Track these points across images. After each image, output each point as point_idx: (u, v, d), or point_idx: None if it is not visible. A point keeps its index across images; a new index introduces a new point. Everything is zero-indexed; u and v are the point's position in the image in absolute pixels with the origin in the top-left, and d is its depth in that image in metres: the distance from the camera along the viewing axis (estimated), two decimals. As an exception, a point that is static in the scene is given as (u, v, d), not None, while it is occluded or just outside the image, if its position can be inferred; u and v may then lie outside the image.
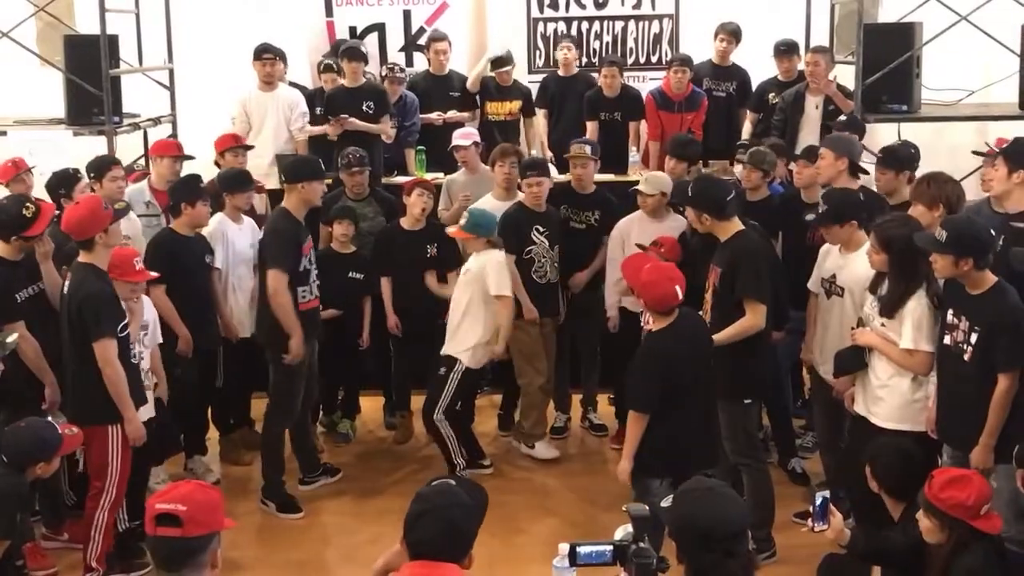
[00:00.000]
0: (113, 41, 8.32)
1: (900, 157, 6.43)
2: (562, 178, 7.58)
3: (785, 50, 8.77)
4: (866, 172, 6.48)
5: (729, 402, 5.53)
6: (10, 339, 5.33)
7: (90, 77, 8.00)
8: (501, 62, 8.80)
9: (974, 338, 4.75)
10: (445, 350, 6.78)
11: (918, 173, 6.26)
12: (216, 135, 7.81)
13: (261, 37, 8.68)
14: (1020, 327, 4.69)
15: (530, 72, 9.62)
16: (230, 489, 6.67)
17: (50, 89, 8.47)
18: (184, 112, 9.48)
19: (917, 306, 5.04)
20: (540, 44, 9.74)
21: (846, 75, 8.33)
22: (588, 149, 7.31)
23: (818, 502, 4.44)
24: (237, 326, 6.91)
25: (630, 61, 9.62)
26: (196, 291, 6.62)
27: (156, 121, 9.15)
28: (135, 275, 5.67)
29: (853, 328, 5.46)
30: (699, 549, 3.16)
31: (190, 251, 6.61)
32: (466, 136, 7.86)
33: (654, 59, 9.73)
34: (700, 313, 5.57)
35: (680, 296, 5.09)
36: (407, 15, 9.64)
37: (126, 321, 5.47)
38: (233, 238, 6.90)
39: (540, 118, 9.05)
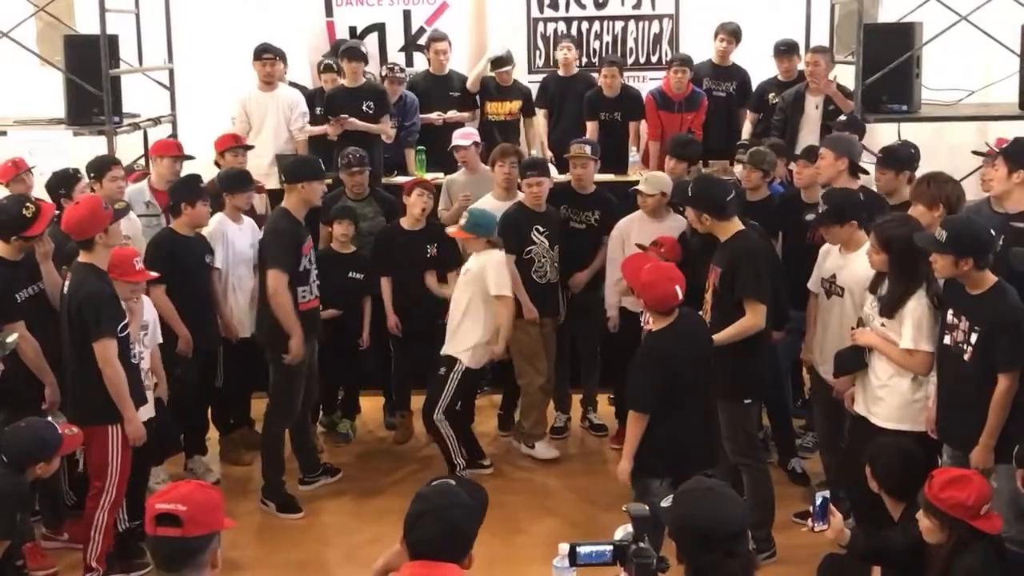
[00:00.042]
0: (113, 41, 8.32)
1: (900, 157, 6.44)
2: (562, 178, 7.58)
3: (785, 50, 8.77)
4: (866, 172, 6.48)
5: (729, 402, 5.54)
6: (10, 339, 5.33)
7: (90, 77, 8.00)
8: (501, 62, 8.80)
9: (974, 338, 4.75)
10: (445, 350, 6.78)
11: (918, 173, 6.26)
12: (216, 135, 7.81)
13: (261, 37, 8.68)
14: (1020, 327, 4.69)
15: (530, 72, 9.62)
16: (230, 489, 6.67)
17: (50, 89, 8.47)
18: (184, 112, 9.48)
19: (917, 306, 5.04)
20: (540, 44, 9.74)
21: (846, 75, 8.33)
22: (588, 149, 7.31)
23: (818, 502, 4.44)
24: (237, 326, 6.91)
25: (630, 61, 9.63)
26: (196, 291, 6.62)
27: (156, 121, 9.15)
28: (135, 275, 5.67)
29: (853, 328, 5.46)
30: (699, 549, 3.16)
31: (190, 251, 6.61)
32: (466, 136, 7.86)
33: (654, 59, 9.73)
34: (700, 313, 5.57)
35: (680, 296, 5.09)
36: (407, 15, 9.64)
37: (126, 321, 5.47)
38: (233, 238, 6.90)
39: (540, 118, 9.05)
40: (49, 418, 5.42)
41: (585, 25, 9.71)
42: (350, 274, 7.29)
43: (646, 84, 9.38)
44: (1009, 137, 6.14)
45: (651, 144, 8.81)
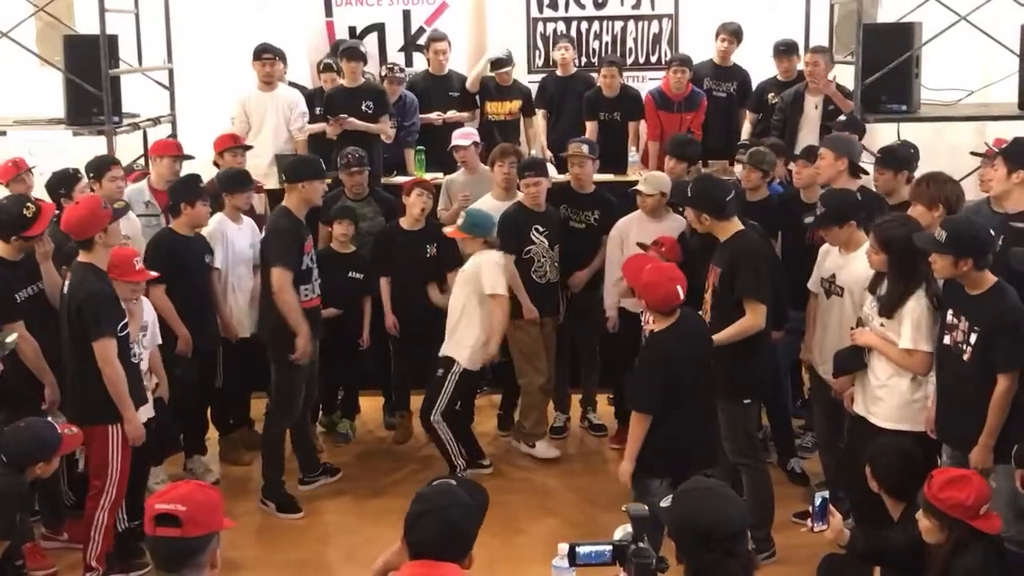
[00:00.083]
0: (113, 41, 8.32)
1: (898, 157, 6.44)
2: (561, 178, 7.58)
3: (785, 50, 8.77)
4: (866, 172, 6.48)
5: (729, 402, 5.54)
6: (9, 339, 5.33)
7: (90, 77, 8.00)
8: (501, 63, 8.80)
9: (974, 338, 4.75)
10: (443, 351, 6.77)
11: (918, 173, 6.26)
12: (216, 135, 7.81)
13: (261, 37, 8.68)
14: (1020, 327, 4.69)
15: (529, 72, 9.62)
16: (229, 489, 6.67)
17: (50, 89, 8.47)
18: (184, 112, 9.48)
19: (916, 306, 5.04)
20: (540, 44, 9.74)
21: (845, 75, 8.33)
22: (585, 148, 7.31)
23: (817, 502, 4.44)
24: (237, 326, 6.92)
25: (629, 61, 9.63)
26: (196, 291, 6.62)
27: (156, 121, 9.15)
28: (135, 275, 5.68)
29: (852, 328, 5.46)
30: (699, 549, 3.16)
31: (190, 251, 6.61)
32: (465, 136, 7.86)
33: (653, 59, 9.73)
34: (699, 313, 5.57)
35: (682, 296, 5.09)
36: (407, 15, 9.65)
37: (125, 321, 5.47)
38: (233, 238, 6.90)
39: (539, 118, 9.05)
40: (49, 418, 5.42)
41: (584, 25, 9.71)
42: (350, 274, 7.29)
43: (645, 84, 9.38)
44: (1007, 137, 6.15)
45: (650, 144, 8.81)
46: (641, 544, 3.32)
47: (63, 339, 5.49)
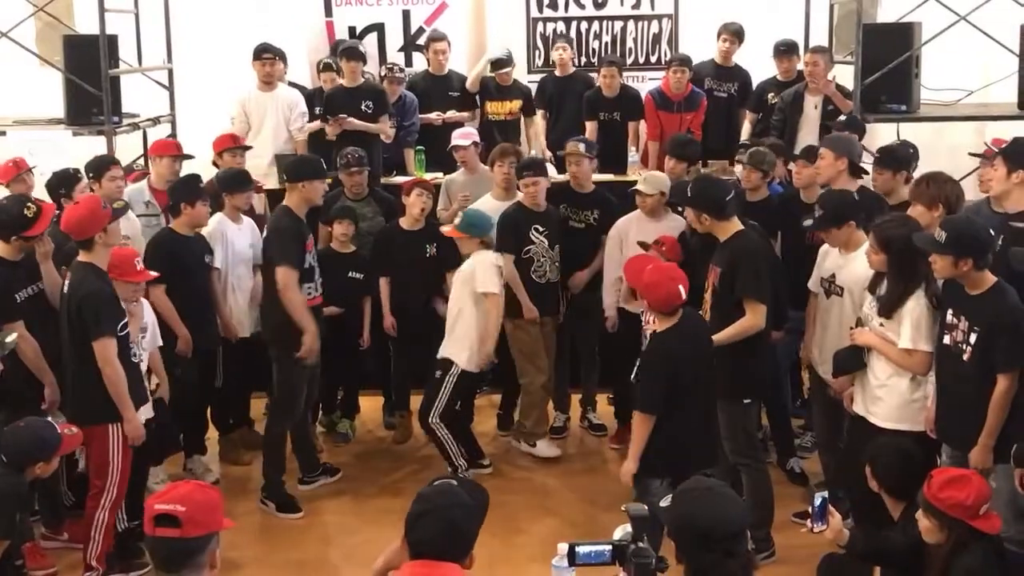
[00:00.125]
0: (112, 41, 8.32)
1: (897, 157, 6.44)
2: (561, 178, 7.58)
3: (785, 50, 8.77)
4: (866, 172, 6.47)
5: (729, 402, 5.54)
6: (9, 339, 5.33)
7: (89, 77, 8.00)
8: (501, 63, 8.80)
9: (973, 338, 4.75)
10: (441, 352, 6.76)
11: (918, 173, 6.26)
12: (215, 135, 7.81)
13: (260, 37, 8.68)
14: (1019, 327, 4.69)
15: (529, 72, 9.62)
16: (229, 489, 6.67)
17: (49, 89, 8.47)
18: (183, 112, 9.48)
19: (916, 306, 5.04)
20: (539, 44, 9.74)
21: (845, 75, 8.33)
22: (582, 147, 7.31)
23: (817, 502, 4.44)
24: (236, 326, 6.92)
25: (629, 61, 9.63)
26: (195, 291, 6.62)
27: (155, 121, 9.15)
28: (136, 275, 5.69)
29: (852, 328, 5.46)
30: (698, 549, 3.16)
31: (190, 251, 6.61)
32: (465, 136, 7.86)
33: (653, 59, 9.73)
34: (700, 313, 5.57)
35: (684, 295, 5.09)
36: (406, 15, 9.65)
37: (126, 320, 5.47)
38: (232, 238, 6.90)
39: (539, 119, 9.05)
40: (49, 418, 5.42)
41: (584, 25, 9.71)
42: (350, 274, 7.29)
43: (645, 84, 9.38)
44: (1006, 137, 6.15)
45: (650, 144, 8.81)
46: (641, 544, 3.32)
47: (63, 339, 5.49)
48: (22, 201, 5.78)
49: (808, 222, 5.79)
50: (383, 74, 8.90)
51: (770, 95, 8.76)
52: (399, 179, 8.21)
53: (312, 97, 8.79)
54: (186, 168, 7.40)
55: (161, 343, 6.23)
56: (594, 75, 9.07)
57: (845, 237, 5.66)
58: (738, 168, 7.14)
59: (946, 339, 4.89)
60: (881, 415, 5.21)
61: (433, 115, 8.85)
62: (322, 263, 6.75)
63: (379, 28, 9.65)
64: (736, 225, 5.60)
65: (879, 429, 5.16)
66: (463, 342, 6.68)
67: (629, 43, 9.74)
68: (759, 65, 9.07)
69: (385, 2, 9.63)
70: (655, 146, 8.71)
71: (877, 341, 5.20)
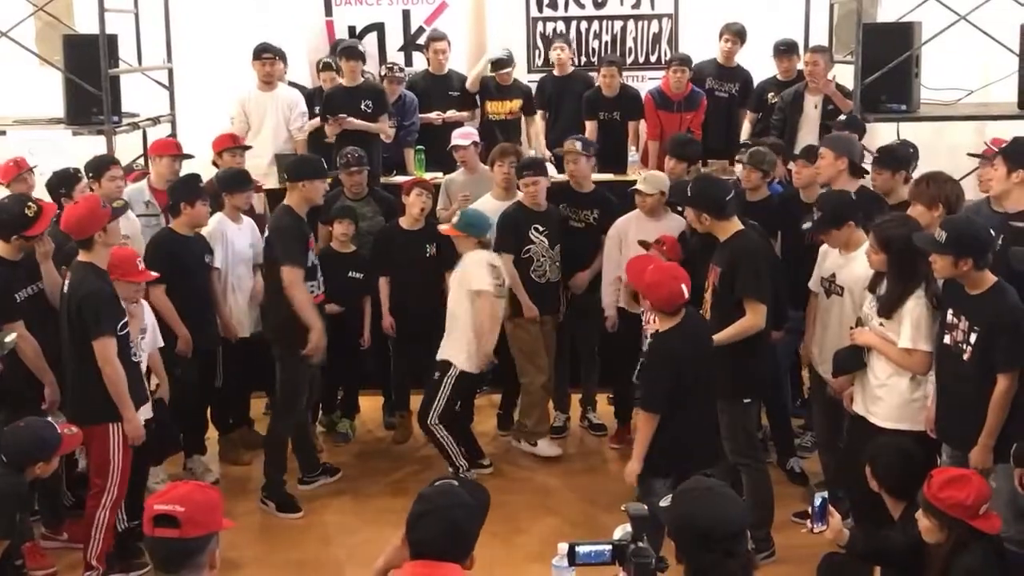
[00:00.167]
0: (112, 41, 8.32)
1: (896, 157, 6.43)
2: (561, 177, 7.58)
3: (785, 50, 8.77)
4: (867, 172, 6.47)
5: (729, 402, 5.53)
6: (8, 339, 5.33)
7: (89, 77, 8.00)
8: (502, 64, 8.80)
9: (973, 338, 4.74)
10: (440, 354, 6.73)
11: (918, 173, 6.25)
12: (215, 135, 7.81)
13: (260, 37, 8.69)
14: (1019, 327, 4.69)
15: (529, 71, 9.62)
16: (229, 489, 6.67)
17: (49, 89, 8.47)
18: (183, 112, 9.47)
19: (916, 306, 5.04)
20: (539, 43, 9.74)
21: (845, 74, 8.33)
22: (579, 145, 7.30)
23: (817, 503, 4.44)
24: (236, 326, 6.92)
25: (629, 61, 9.63)
26: (195, 291, 6.62)
27: (155, 121, 9.15)
28: (138, 275, 5.71)
29: (852, 328, 5.46)
30: (698, 549, 3.16)
31: (189, 251, 6.61)
32: (465, 136, 7.86)
33: (653, 59, 9.73)
34: (700, 312, 5.57)
35: (686, 295, 5.09)
36: (406, 15, 9.65)
37: (126, 320, 5.47)
38: (232, 238, 6.90)
39: (539, 118, 9.05)
40: (49, 418, 5.42)
41: (584, 25, 9.71)
42: (350, 273, 7.29)
43: (645, 84, 9.38)
44: (1006, 137, 6.14)
45: (650, 144, 8.81)
46: (641, 544, 3.32)
47: (63, 338, 5.49)
48: (23, 200, 5.78)
49: (807, 225, 5.78)
50: (383, 74, 8.90)
51: (770, 95, 8.76)
52: (399, 179, 8.21)
53: (312, 97, 8.79)
54: (186, 168, 7.40)
55: (162, 343, 6.23)
56: (593, 75, 9.07)
57: (845, 237, 5.66)
58: (738, 168, 7.14)
59: (946, 339, 4.89)
60: (881, 415, 5.20)
61: (433, 115, 8.85)
62: (322, 263, 6.75)
63: (379, 28, 9.65)
64: (736, 225, 5.60)
65: (879, 429, 5.16)
66: (460, 343, 6.67)
67: (629, 43, 9.74)
68: (759, 65, 9.07)
69: (385, 2, 9.63)
70: (655, 146, 8.71)
71: (877, 341, 5.20)
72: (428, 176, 8.07)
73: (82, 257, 5.42)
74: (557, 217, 7.22)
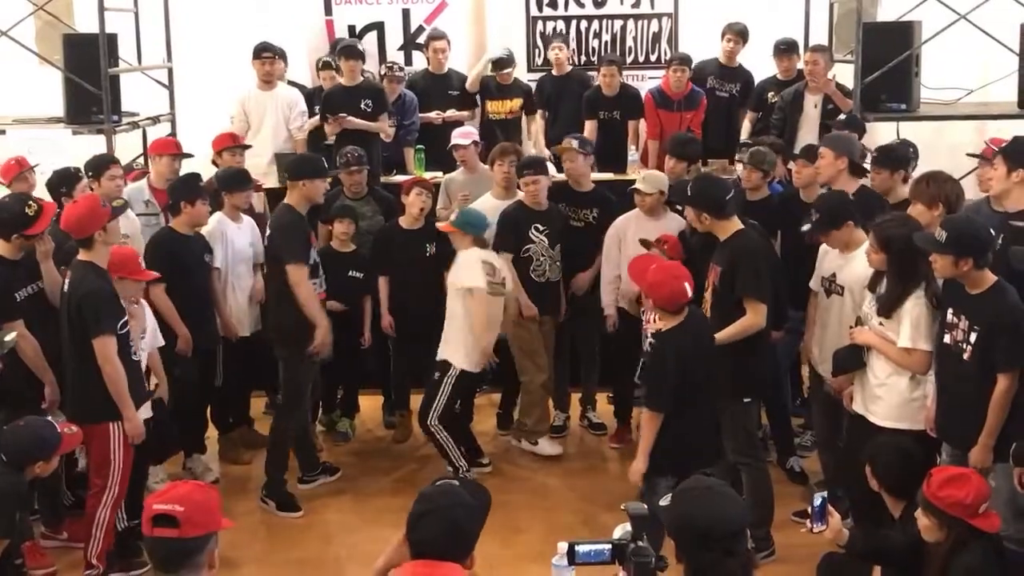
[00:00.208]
0: (112, 40, 8.32)
1: (894, 156, 6.42)
2: (561, 177, 7.57)
3: (785, 49, 8.77)
4: (868, 171, 6.46)
5: (729, 401, 5.53)
6: (8, 338, 5.33)
7: (89, 76, 8.00)
8: (502, 63, 8.80)
9: (973, 337, 4.74)
10: (439, 354, 6.73)
11: (918, 172, 6.25)
12: (215, 134, 7.80)
13: (260, 36, 8.69)
14: (1020, 327, 4.69)
15: (529, 71, 9.63)
16: (229, 488, 6.68)
17: (49, 88, 8.47)
18: (183, 111, 9.47)
19: (915, 305, 5.04)
20: (539, 43, 9.74)
21: (845, 74, 8.33)
22: (575, 142, 7.30)
23: (816, 502, 4.44)
24: (236, 325, 6.92)
25: (629, 60, 9.63)
26: (195, 290, 6.62)
27: (155, 120, 9.15)
28: (142, 273, 5.72)
29: (851, 327, 5.45)
30: (698, 548, 3.16)
31: (189, 250, 6.61)
32: (465, 135, 7.86)
33: (653, 58, 9.73)
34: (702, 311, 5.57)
35: (690, 293, 5.09)
36: (406, 14, 9.65)
37: (126, 319, 5.47)
38: (232, 237, 6.90)
39: (539, 118, 9.05)
40: (48, 417, 5.42)
41: (584, 24, 9.71)
42: (350, 273, 7.29)
43: (645, 83, 9.39)
44: (1005, 137, 6.13)
45: (650, 143, 8.81)
46: (640, 543, 3.32)
47: (63, 337, 5.49)
48: (23, 199, 5.77)
49: (806, 227, 5.76)
50: (383, 73, 8.90)
51: (770, 94, 8.77)
52: (399, 178, 8.21)
53: (312, 96, 8.79)
54: (186, 167, 7.39)
55: (162, 343, 6.22)
56: (592, 74, 9.08)
57: (845, 238, 5.65)
58: (738, 167, 7.14)
59: (946, 338, 4.89)
60: (880, 414, 5.20)
61: (433, 114, 8.85)
62: (322, 262, 6.75)
63: (379, 27, 9.65)
64: (736, 224, 5.60)
65: (878, 428, 5.16)
66: (457, 342, 6.67)
67: (629, 42, 9.75)
68: (759, 64, 9.07)
69: (385, 1, 9.63)
70: (655, 145, 8.72)
71: (876, 340, 5.20)
72: (428, 175, 8.06)
73: (82, 256, 5.42)
74: (559, 217, 7.21)
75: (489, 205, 7.15)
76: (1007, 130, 6.77)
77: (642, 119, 8.85)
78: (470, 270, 6.60)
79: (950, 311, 4.88)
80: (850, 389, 5.47)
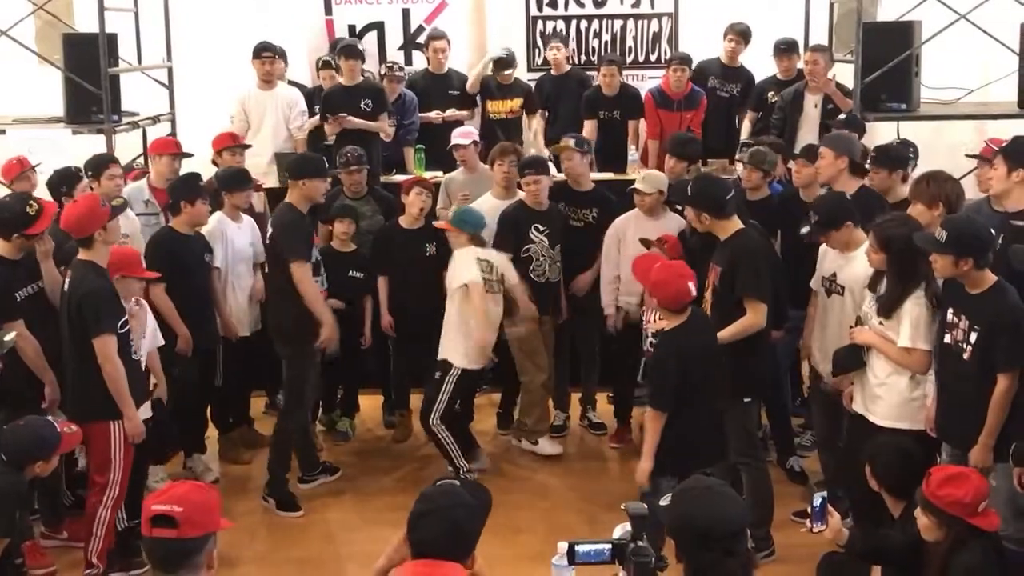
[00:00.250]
0: (112, 39, 8.32)
1: (893, 156, 6.41)
2: (562, 177, 7.57)
3: (785, 49, 8.77)
4: (868, 171, 6.46)
5: (729, 401, 5.53)
6: (8, 337, 5.33)
7: (89, 75, 8.00)
8: (504, 64, 8.80)
9: (974, 337, 4.74)
10: (440, 353, 6.73)
11: (918, 172, 6.25)
12: (215, 133, 7.80)
13: (260, 35, 8.69)
14: (1020, 326, 4.69)
15: (529, 70, 9.63)
16: (229, 488, 6.68)
17: (49, 87, 8.47)
18: (183, 110, 9.48)
19: (915, 305, 5.03)
20: (539, 42, 9.74)
21: (845, 73, 8.33)
22: (572, 141, 7.30)
23: (816, 502, 4.44)
24: (236, 325, 6.92)
25: (629, 60, 9.64)
26: (195, 290, 6.62)
27: (155, 119, 9.15)
28: (143, 271, 5.75)
29: (851, 327, 5.45)
30: (698, 548, 3.16)
31: (189, 250, 6.61)
32: (465, 135, 7.86)
33: (653, 58, 9.73)
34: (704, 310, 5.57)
35: (694, 292, 5.09)
36: (406, 13, 9.66)
37: (126, 318, 5.47)
38: (232, 237, 6.90)
39: (539, 118, 9.05)
40: (49, 417, 5.42)
41: (584, 24, 9.72)
42: (350, 273, 7.29)
43: (645, 83, 9.39)
44: (1004, 137, 6.13)
45: (650, 143, 8.81)
46: (640, 543, 3.32)
47: (63, 337, 5.49)
48: (24, 199, 5.77)
49: (805, 229, 5.75)
50: (383, 72, 8.90)
51: (770, 94, 8.77)
52: (399, 178, 8.21)
53: (312, 95, 8.79)
54: (185, 166, 7.39)
55: (162, 342, 6.22)
56: (591, 73, 9.08)
57: (845, 238, 5.64)
58: (739, 167, 7.13)
59: (946, 338, 4.89)
60: (880, 414, 5.20)
61: (433, 114, 8.85)
62: (323, 262, 6.76)
63: (379, 26, 9.66)
64: (736, 224, 5.59)
65: (878, 428, 5.16)
66: (456, 341, 6.67)
67: (629, 42, 9.75)
68: (759, 64, 9.07)
69: (385, 1, 9.63)
70: (655, 145, 8.72)
71: (876, 340, 5.20)
72: (428, 175, 8.06)
73: (82, 255, 5.42)
74: (559, 217, 7.20)
75: (489, 205, 7.15)
76: (1007, 130, 6.77)
77: (642, 119, 8.85)
78: (465, 267, 6.60)
79: (950, 311, 4.87)
80: (850, 389, 5.47)
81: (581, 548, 3.34)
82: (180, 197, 6.62)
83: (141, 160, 8.80)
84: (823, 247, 5.91)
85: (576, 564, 3.38)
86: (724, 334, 5.43)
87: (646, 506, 3.45)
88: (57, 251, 5.80)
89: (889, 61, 7.66)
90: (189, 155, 7.54)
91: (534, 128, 9.00)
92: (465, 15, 9.71)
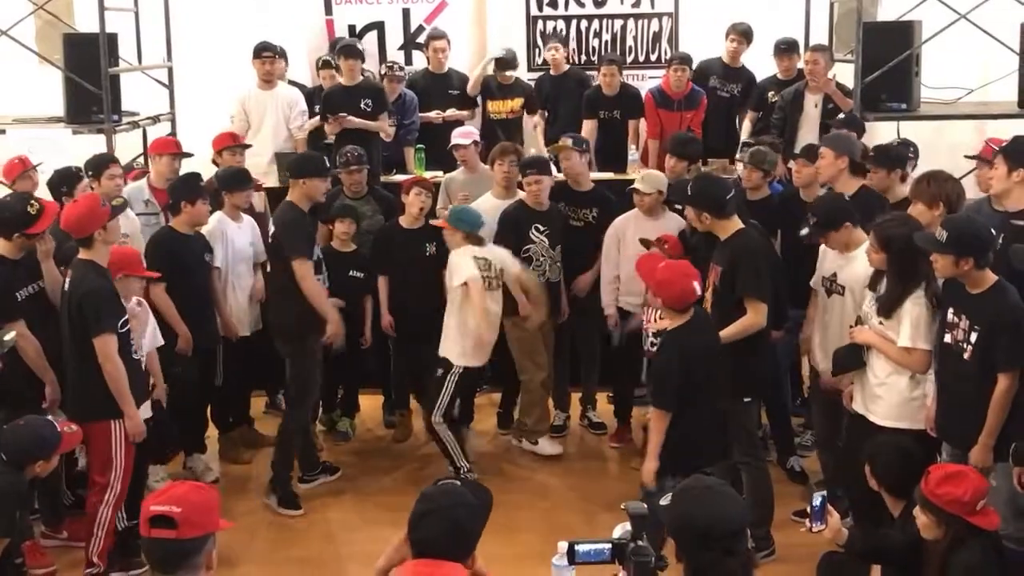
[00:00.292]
0: (112, 39, 8.33)
1: (891, 156, 6.42)
2: (561, 176, 7.57)
3: (785, 48, 8.77)
4: (868, 170, 6.46)
5: (730, 400, 5.53)
6: (8, 337, 5.33)
7: (89, 75, 8.00)
8: (505, 64, 8.80)
9: (974, 337, 4.74)
10: (441, 352, 6.74)
11: (918, 172, 6.25)
12: (215, 133, 7.80)
13: (260, 35, 8.69)
14: (1020, 326, 4.69)
15: (529, 70, 9.63)
16: (229, 487, 6.68)
17: (49, 87, 8.48)
18: (183, 110, 9.48)
19: (915, 305, 5.03)
20: (539, 42, 9.74)
21: (845, 73, 8.33)
22: (570, 141, 7.30)
23: (816, 502, 4.44)
24: (236, 324, 6.92)
25: (629, 59, 9.64)
26: (195, 290, 6.62)
27: (155, 119, 9.16)
28: (144, 271, 5.77)
29: (851, 326, 5.45)
30: (698, 548, 3.16)
31: (190, 250, 6.61)
32: (466, 135, 7.86)
33: (653, 57, 9.73)
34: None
35: (698, 292, 5.09)
36: (406, 13, 9.67)
37: (126, 317, 5.47)
38: (232, 236, 6.91)
39: (538, 118, 9.05)
40: (49, 416, 5.42)
41: (584, 23, 9.72)
42: (351, 272, 7.29)
43: (645, 83, 9.39)
44: (1004, 137, 6.13)
45: (650, 142, 8.81)
46: (640, 542, 3.32)
47: (63, 336, 5.49)
48: (25, 199, 5.78)
49: (804, 231, 5.75)
50: (383, 72, 8.90)
51: (770, 93, 8.77)
52: (399, 177, 8.20)
53: (312, 95, 8.79)
54: (186, 166, 7.39)
55: (162, 342, 6.22)
56: (591, 73, 9.08)
57: (844, 239, 5.64)
58: (739, 167, 7.13)
59: (947, 338, 4.89)
60: (880, 413, 5.20)
61: (433, 113, 8.86)
62: (323, 261, 6.75)
63: (379, 26, 9.66)
64: (736, 224, 5.59)
65: (878, 427, 5.16)
66: (455, 339, 6.68)
67: (629, 41, 9.75)
68: (760, 64, 9.07)
69: (385, 0, 9.64)
70: (655, 144, 8.72)
71: (876, 339, 5.20)
72: (428, 175, 8.06)
73: (82, 255, 5.42)
74: (559, 217, 7.20)
75: (489, 205, 7.15)
76: (1007, 130, 6.77)
77: (642, 119, 8.85)
78: (462, 265, 6.61)
79: (950, 310, 4.87)
80: (850, 388, 5.47)
81: (581, 548, 3.34)
82: (180, 197, 6.63)
83: (141, 160, 8.80)
84: (823, 247, 5.91)
85: (576, 564, 3.38)
86: (724, 334, 5.42)
87: (646, 506, 3.45)
88: (57, 251, 5.80)
89: (889, 61, 7.66)
90: (189, 155, 7.54)
91: (535, 126, 8.99)
92: (465, 15, 9.71)
